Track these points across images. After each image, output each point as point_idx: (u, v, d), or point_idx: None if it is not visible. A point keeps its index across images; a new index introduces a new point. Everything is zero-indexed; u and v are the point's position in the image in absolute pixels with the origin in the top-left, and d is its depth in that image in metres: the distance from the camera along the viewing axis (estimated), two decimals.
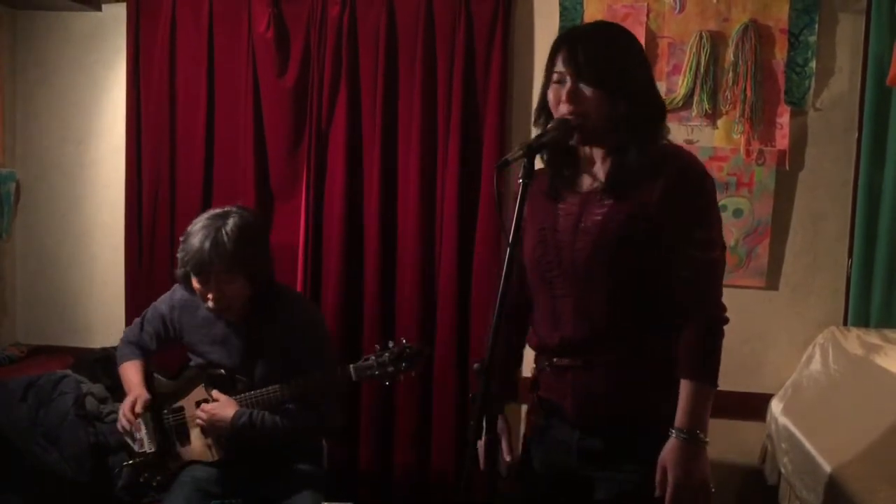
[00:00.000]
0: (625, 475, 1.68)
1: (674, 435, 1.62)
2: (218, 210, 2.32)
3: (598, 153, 1.72)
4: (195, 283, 2.28)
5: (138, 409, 2.34)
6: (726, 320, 1.68)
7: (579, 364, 1.69)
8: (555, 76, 1.66)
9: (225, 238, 2.21)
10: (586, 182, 1.72)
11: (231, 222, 2.24)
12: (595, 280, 1.66)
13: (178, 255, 2.29)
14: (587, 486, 1.73)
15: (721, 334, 1.67)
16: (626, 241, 1.63)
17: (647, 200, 1.63)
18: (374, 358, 2.30)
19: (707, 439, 1.63)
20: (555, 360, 1.73)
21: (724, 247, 1.70)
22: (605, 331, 1.66)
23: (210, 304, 2.27)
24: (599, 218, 1.66)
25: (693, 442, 1.61)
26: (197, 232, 2.24)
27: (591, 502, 1.73)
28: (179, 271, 2.31)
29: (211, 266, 2.21)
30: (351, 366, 2.30)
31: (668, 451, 1.62)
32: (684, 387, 1.63)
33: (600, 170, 1.71)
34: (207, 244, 2.20)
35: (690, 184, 1.66)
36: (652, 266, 1.65)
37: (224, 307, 2.29)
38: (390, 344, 2.33)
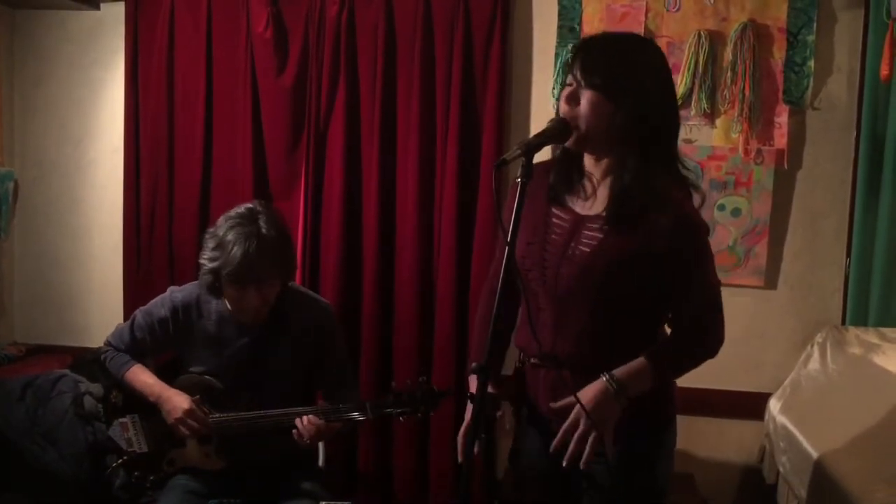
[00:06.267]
0: (595, 473, 1.70)
1: (604, 377, 1.62)
2: (241, 210, 2.19)
3: (598, 168, 1.70)
4: (231, 291, 2.17)
5: (198, 409, 2.23)
6: (716, 353, 1.72)
7: (549, 366, 1.74)
8: (568, 79, 1.67)
9: (268, 243, 2.11)
10: (583, 198, 1.72)
11: (264, 224, 2.14)
12: (574, 307, 1.69)
13: (209, 263, 2.16)
14: (567, 481, 1.77)
15: (705, 356, 1.72)
16: (612, 276, 1.64)
17: (647, 239, 1.62)
18: (392, 398, 2.19)
19: (625, 404, 1.61)
20: (532, 359, 1.79)
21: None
22: (576, 351, 1.70)
23: (248, 312, 2.19)
24: (588, 250, 1.66)
25: (616, 389, 1.60)
26: (233, 239, 2.11)
27: (570, 496, 1.78)
28: (208, 278, 2.19)
29: (259, 272, 2.11)
30: (367, 403, 2.20)
31: (590, 386, 1.62)
32: (641, 362, 1.63)
33: (599, 188, 1.70)
34: (253, 249, 2.09)
35: (699, 230, 1.69)
36: (633, 301, 1.67)
37: (258, 312, 2.22)
38: (408, 382, 2.22)
